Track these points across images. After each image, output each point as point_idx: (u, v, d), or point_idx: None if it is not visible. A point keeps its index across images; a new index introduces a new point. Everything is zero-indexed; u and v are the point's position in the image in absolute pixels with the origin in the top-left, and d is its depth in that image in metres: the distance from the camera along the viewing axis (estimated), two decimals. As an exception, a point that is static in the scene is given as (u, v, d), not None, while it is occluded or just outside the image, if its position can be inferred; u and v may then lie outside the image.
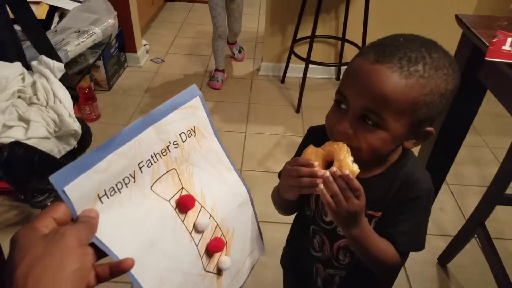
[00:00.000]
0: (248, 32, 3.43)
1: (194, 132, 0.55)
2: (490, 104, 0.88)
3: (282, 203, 0.82)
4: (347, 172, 0.61)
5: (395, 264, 0.74)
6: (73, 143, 0.88)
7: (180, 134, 0.53)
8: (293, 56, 2.57)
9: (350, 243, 0.76)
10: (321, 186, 0.63)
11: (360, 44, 2.39)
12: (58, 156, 0.83)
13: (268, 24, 2.67)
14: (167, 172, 0.52)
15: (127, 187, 0.47)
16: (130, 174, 0.47)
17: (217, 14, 2.44)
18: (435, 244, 1.70)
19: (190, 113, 0.54)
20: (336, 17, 2.62)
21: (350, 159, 0.63)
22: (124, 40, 2.74)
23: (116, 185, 0.46)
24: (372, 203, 0.70)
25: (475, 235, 1.49)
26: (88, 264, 0.40)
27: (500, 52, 0.82)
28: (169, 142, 0.52)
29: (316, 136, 0.80)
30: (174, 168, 0.53)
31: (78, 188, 0.42)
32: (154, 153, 0.50)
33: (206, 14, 3.79)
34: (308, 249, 0.86)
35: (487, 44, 0.85)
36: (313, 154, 0.67)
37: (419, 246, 0.76)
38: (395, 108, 0.61)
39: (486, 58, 0.82)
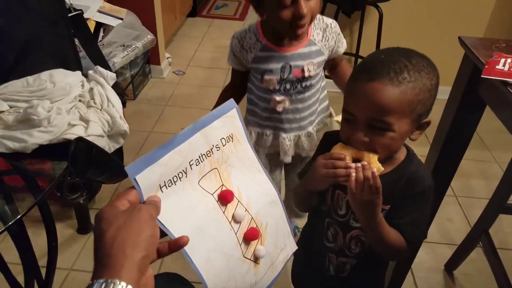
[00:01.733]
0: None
1: (232, 138, 0.64)
2: (498, 121, 0.99)
3: (306, 196, 0.92)
4: (374, 169, 0.73)
5: (403, 251, 0.85)
6: (121, 141, 1.01)
7: (221, 139, 0.62)
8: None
9: (365, 231, 0.86)
10: (353, 175, 0.74)
11: (373, 61, 2.50)
12: (109, 152, 0.97)
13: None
14: (210, 170, 0.61)
15: (180, 180, 0.56)
16: (183, 170, 0.56)
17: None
18: (442, 252, 1.77)
19: (229, 121, 0.64)
20: (351, 35, 2.74)
21: (376, 157, 0.75)
22: (149, 53, 2.89)
23: (173, 178, 0.55)
24: (383, 197, 0.78)
25: (480, 243, 1.56)
26: (157, 233, 0.50)
27: (494, 71, 0.93)
28: (213, 145, 0.61)
29: (332, 140, 0.92)
30: (216, 168, 0.62)
31: (146, 177, 0.52)
32: (201, 153, 0.59)
33: (225, 29, 3.95)
34: (322, 241, 0.95)
35: (484, 63, 0.97)
36: (343, 150, 0.78)
37: (423, 235, 0.88)
38: (395, 112, 0.73)
39: (482, 76, 0.94)
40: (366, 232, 0.87)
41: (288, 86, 1.15)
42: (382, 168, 0.75)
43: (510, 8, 2.57)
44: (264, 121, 1.25)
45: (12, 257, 1.29)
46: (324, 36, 1.17)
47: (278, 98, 1.17)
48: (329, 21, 1.20)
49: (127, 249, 0.45)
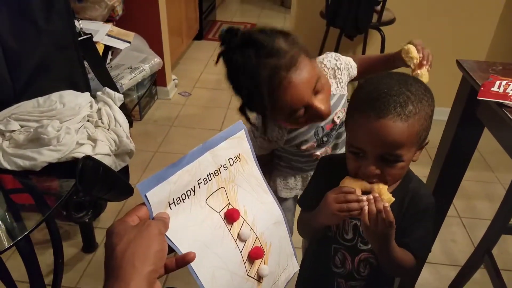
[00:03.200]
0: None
1: (239, 158, 0.66)
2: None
3: (313, 230, 0.91)
4: (386, 204, 0.74)
5: (412, 268, 0.87)
6: (127, 160, 1.04)
7: (228, 159, 0.64)
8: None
9: (377, 256, 0.86)
10: (366, 209, 0.74)
11: (375, 83, 2.54)
12: (115, 171, 1.00)
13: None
14: (218, 189, 0.63)
15: (188, 198, 0.58)
16: (191, 188, 0.58)
17: None
18: (446, 273, 1.76)
19: (237, 142, 0.66)
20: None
21: (386, 187, 0.76)
22: (156, 75, 2.95)
23: (181, 196, 0.57)
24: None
25: (483, 264, 1.55)
26: (166, 248, 0.52)
27: (490, 93, 0.96)
28: (221, 165, 0.63)
29: (329, 165, 0.93)
30: (223, 187, 0.63)
31: (156, 194, 0.54)
32: (209, 173, 0.61)
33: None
34: (329, 267, 0.94)
35: (480, 84, 1.00)
36: (352, 183, 0.78)
37: (428, 250, 0.90)
38: (406, 145, 0.74)
39: (478, 98, 0.97)
40: (378, 257, 0.87)
41: (325, 139, 1.12)
42: (393, 199, 0.76)
43: (511, 32, 2.61)
44: (304, 167, 1.21)
45: (19, 274, 1.31)
46: (336, 80, 1.10)
47: (319, 152, 1.13)
48: (331, 61, 1.10)
49: (137, 263, 0.47)
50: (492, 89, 0.96)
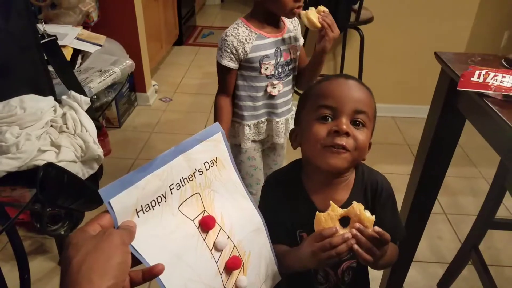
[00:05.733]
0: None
1: (216, 162, 0.63)
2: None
3: (295, 271, 0.81)
4: (378, 229, 0.68)
5: (397, 255, 0.85)
6: (96, 167, 0.99)
7: (204, 163, 0.61)
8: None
9: (373, 266, 0.78)
10: (356, 245, 0.68)
11: (356, 82, 2.53)
12: (83, 178, 0.94)
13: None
14: (192, 195, 0.59)
15: (159, 205, 0.54)
16: (162, 194, 0.54)
17: None
18: (434, 271, 1.75)
19: (214, 146, 0.63)
20: (334, 58, 2.78)
21: (365, 211, 0.70)
22: (134, 81, 2.90)
23: (151, 202, 0.53)
24: None
25: (470, 260, 1.54)
26: (129, 260, 0.48)
27: (470, 83, 0.93)
28: (195, 169, 0.59)
29: (276, 182, 0.89)
30: (198, 192, 0.60)
31: (121, 201, 0.50)
32: (182, 177, 0.57)
33: (211, 56, 3.99)
34: (313, 286, 0.89)
35: (459, 75, 0.97)
36: (328, 220, 0.70)
37: (404, 232, 0.89)
38: (369, 109, 0.78)
39: (457, 88, 0.94)
40: (374, 267, 0.80)
41: (280, 70, 1.33)
42: (373, 218, 0.70)
43: (489, 25, 2.63)
44: (259, 110, 1.38)
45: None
46: (293, 26, 1.37)
47: (274, 82, 1.33)
48: (295, 19, 1.39)
49: (94, 277, 0.43)
50: (472, 79, 0.93)
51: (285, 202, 0.84)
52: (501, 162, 1.38)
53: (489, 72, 0.94)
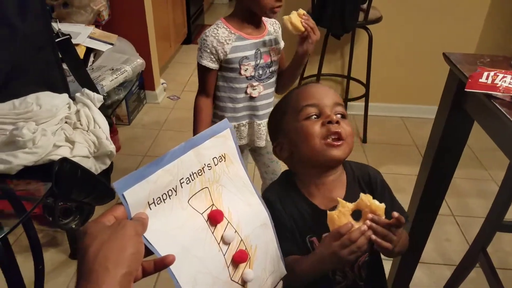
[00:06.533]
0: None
1: (224, 158, 0.64)
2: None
3: (312, 278, 0.81)
4: (397, 214, 0.71)
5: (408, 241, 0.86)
6: (108, 162, 1.01)
7: (213, 158, 0.62)
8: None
9: (392, 254, 0.81)
10: (373, 236, 0.70)
11: (364, 81, 2.53)
12: (95, 173, 0.96)
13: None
14: (201, 189, 0.60)
15: (170, 198, 0.55)
16: (173, 188, 0.56)
17: None
18: (441, 273, 1.74)
19: (222, 141, 0.64)
20: (342, 57, 2.78)
21: (374, 200, 0.72)
22: (144, 79, 2.93)
23: (162, 196, 0.54)
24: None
25: (478, 262, 1.53)
26: (142, 250, 0.49)
27: (478, 84, 0.93)
28: (204, 164, 0.60)
29: (274, 197, 0.87)
30: (207, 187, 0.61)
31: (134, 194, 0.51)
32: (192, 172, 0.59)
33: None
34: (331, 285, 0.89)
35: (467, 77, 0.98)
36: (341, 217, 0.72)
37: (407, 215, 0.89)
38: (342, 103, 0.85)
39: (465, 89, 0.94)
40: (393, 255, 0.83)
41: (260, 72, 1.33)
42: (383, 205, 0.72)
43: (499, 26, 2.61)
44: (240, 112, 1.37)
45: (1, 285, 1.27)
46: (274, 29, 1.37)
47: (254, 83, 1.32)
48: (276, 22, 1.41)
49: (110, 265, 0.44)
50: (480, 80, 0.93)
51: (288, 213, 0.84)
52: (510, 164, 1.37)
53: (497, 74, 0.95)
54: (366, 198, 0.72)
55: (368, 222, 0.70)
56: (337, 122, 0.80)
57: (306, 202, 0.85)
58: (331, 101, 0.83)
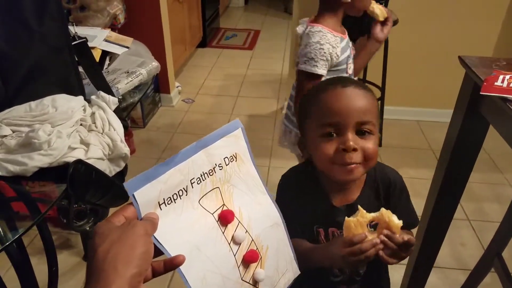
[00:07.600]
0: (273, 74, 3.62)
1: (235, 158, 0.64)
2: (510, 143, 0.99)
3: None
4: (407, 237, 0.73)
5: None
6: (122, 164, 1.02)
7: (224, 158, 0.62)
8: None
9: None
10: (381, 252, 0.73)
11: (380, 85, 2.51)
12: (110, 175, 0.98)
13: (292, 67, 2.84)
14: (212, 189, 0.60)
15: (180, 198, 0.55)
16: (183, 188, 0.56)
17: None
18: (455, 277, 1.73)
19: (233, 141, 0.63)
20: (357, 60, 2.77)
21: (393, 217, 0.73)
22: (159, 82, 2.97)
23: (173, 196, 0.54)
24: (372, 207, 0.78)
25: (493, 267, 1.51)
26: (151, 250, 0.49)
27: (493, 87, 0.92)
28: (215, 164, 0.60)
29: (293, 178, 0.90)
30: (218, 187, 0.61)
31: (144, 194, 0.51)
32: (203, 172, 0.58)
33: (234, 58, 4.04)
34: (328, 279, 0.91)
35: (483, 80, 0.96)
36: (358, 227, 0.74)
37: (418, 219, 0.93)
38: (373, 113, 0.77)
39: (480, 92, 0.93)
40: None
41: (352, 66, 1.41)
42: (401, 223, 0.73)
43: (517, 30, 2.57)
44: None
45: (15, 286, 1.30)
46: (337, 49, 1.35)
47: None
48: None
49: (119, 265, 0.45)
50: (496, 83, 0.92)
51: (302, 198, 0.86)
52: (527, 168, 1.35)
53: (513, 77, 0.93)
54: (386, 214, 0.73)
55: (382, 237, 0.72)
56: (354, 149, 0.75)
57: (323, 194, 0.86)
58: (354, 119, 0.75)
